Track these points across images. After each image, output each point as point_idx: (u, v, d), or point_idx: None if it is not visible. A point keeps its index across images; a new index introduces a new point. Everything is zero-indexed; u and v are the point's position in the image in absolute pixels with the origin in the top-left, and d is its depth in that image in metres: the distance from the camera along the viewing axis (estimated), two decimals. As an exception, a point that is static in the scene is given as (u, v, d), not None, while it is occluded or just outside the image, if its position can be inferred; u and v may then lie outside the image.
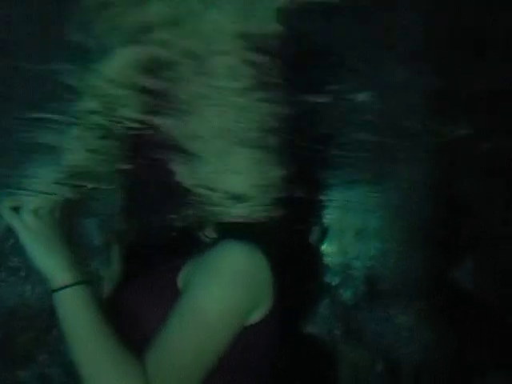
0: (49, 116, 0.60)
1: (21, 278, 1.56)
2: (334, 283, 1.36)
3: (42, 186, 0.99)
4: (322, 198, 1.29)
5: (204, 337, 1.09)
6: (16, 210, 1.12)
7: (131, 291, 1.29)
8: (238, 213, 1.29)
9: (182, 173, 0.91)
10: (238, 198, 1.15)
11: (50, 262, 1.13)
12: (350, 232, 1.32)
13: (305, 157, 0.81)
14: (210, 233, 1.27)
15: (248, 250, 1.13)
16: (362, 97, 0.53)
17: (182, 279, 1.17)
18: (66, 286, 1.10)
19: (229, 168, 0.88)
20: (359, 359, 1.29)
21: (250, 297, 1.13)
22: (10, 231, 1.14)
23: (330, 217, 1.35)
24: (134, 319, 1.15)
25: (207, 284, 1.11)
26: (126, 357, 1.07)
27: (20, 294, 1.50)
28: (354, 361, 1.30)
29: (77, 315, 1.09)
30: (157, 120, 0.62)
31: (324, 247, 1.37)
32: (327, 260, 1.35)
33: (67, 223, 1.24)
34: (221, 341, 1.11)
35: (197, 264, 1.17)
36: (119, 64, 0.52)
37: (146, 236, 1.51)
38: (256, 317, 1.17)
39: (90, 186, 0.97)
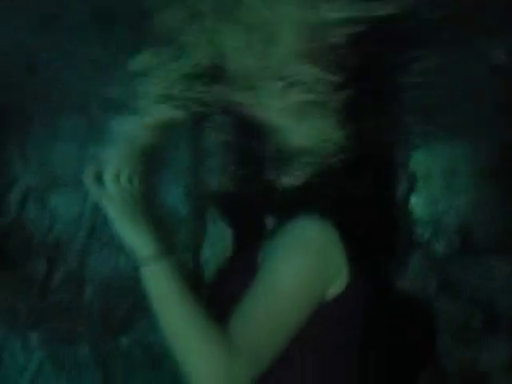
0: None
1: (114, 250, 1.62)
2: (425, 236, 1.31)
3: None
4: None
5: (283, 309, 1.09)
6: (99, 180, 1.15)
7: (217, 280, 1.31)
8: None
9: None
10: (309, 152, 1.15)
11: (135, 236, 1.14)
12: (440, 181, 1.26)
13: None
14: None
15: (321, 226, 1.13)
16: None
17: (261, 258, 1.17)
18: (152, 261, 1.13)
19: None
20: (456, 313, 1.25)
21: (326, 270, 1.13)
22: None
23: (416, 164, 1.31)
24: (222, 306, 1.16)
25: (285, 259, 1.12)
26: (213, 328, 1.09)
27: (114, 265, 1.54)
28: (450, 315, 1.25)
29: (163, 289, 1.10)
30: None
31: (413, 198, 1.32)
32: (417, 211, 1.31)
33: (150, 191, 1.26)
34: (299, 313, 1.11)
35: (274, 241, 1.17)
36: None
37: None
38: (335, 291, 1.16)
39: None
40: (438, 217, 1.29)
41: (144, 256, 1.13)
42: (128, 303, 1.54)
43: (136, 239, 1.15)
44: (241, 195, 1.35)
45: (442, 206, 1.28)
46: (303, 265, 1.14)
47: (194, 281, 1.21)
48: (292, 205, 1.22)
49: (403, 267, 1.38)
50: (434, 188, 1.27)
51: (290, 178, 1.26)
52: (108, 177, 1.17)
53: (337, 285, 1.17)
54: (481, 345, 1.17)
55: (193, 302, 1.11)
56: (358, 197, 1.29)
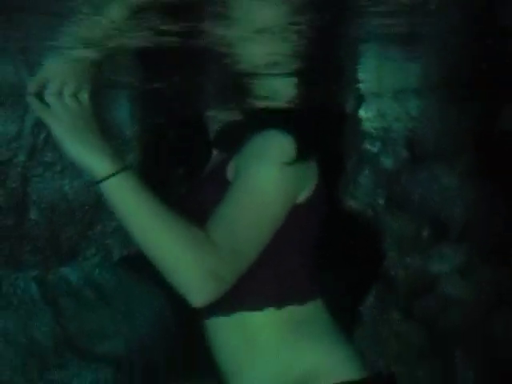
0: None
1: (57, 173, 1.57)
2: (374, 150, 1.32)
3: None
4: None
5: (260, 213, 1.12)
6: (42, 98, 1.09)
7: (186, 193, 1.30)
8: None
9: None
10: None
11: (88, 154, 1.09)
12: (388, 94, 1.26)
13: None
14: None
15: (291, 137, 1.15)
16: None
17: (230, 170, 1.17)
18: (111, 175, 1.09)
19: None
20: (405, 227, 1.27)
21: (297, 176, 1.15)
22: (42, 124, 1.11)
23: (366, 81, 1.30)
24: (195, 215, 1.15)
25: (258, 166, 1.13)
26: (192, 231, 1.08)
27: (58, 189, 1.50)
28: (399, 230, 1.28)
29: (129, 200, 1.07)
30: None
31: (362, 113, 1.32)
32: (366, 126, 1.31)
33: (96, 110, 1.21)
34: (275, 217, 1.14)
35: (244, 153, 1.18)
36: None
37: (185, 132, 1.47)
38: (304, 196, 1.18)
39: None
40: (386, 130, 1.30)
41: (100, 172, 1.09)
42: (76, 228, 1.51)
43: (90, 157, 1.09)
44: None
45: (389, 119, 1.28)
46: (276, 168, 1.16)
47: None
48: (258, 122, 1.22)
49: (353, 185, 1.40)
50: (382, 101, 1.27)
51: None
52: (52, 91, 1.11)
53: (306, 191, 1.19)
54: (430, 253, 1.20)
55: (165, 209, 1.09)
56: (310, 111, 1.29)
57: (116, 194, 1.09)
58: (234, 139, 1.25)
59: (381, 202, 1.32)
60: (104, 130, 1.18)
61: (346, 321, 1.31)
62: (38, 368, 1.32)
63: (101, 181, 1.08)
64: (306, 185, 1.22)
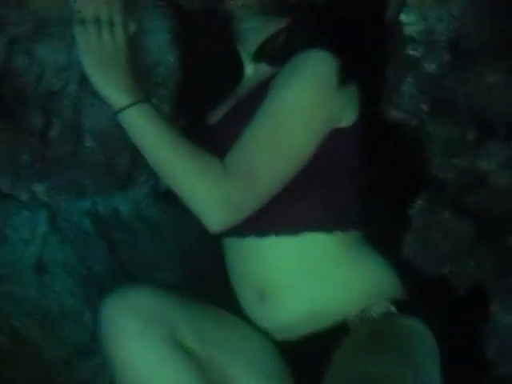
0: None
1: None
2: (417, 55, 1.30)
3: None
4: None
5: (285, 133, 1.11)
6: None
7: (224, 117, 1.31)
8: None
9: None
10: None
11: (108, 85, 1.14)
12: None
13: None
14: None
15: (335, 60, 1.14)
16: None
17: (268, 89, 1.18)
18: (128, 106, 1.13)
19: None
20: (450, 131, 1.26)
21: (334, 100, 1.14)
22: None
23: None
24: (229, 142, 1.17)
25: (291, 85, 1.13)
26: (205, 155, 1.12)
27: (110, 116, 1.55)
28: (445, 134, 1.27)
29: (146, 131, 1.13)
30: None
31: (403, 17, 1.30)
32: (407, 31, 1.29)
33: (134, 38, 1.23)
34: (304, 142, 1.13)
35: (280, 73, 1.18)
36: None
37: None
38: (343, 123, 1.19)
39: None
40: (428, 33, 1.27)
41: (119, 103, 1.13)
42: (128, 156, 1.57)
43: (109, 88, 1.15)
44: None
45: (432, 21, 1.26)
46: (306, 90, 1.15)
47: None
48: (295, 42, 1.21)
49: (395, 93, 1.39)
50: (423, 3, 1.24)
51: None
52: (88, 21, 1.14)
53: (345, 118, 1.19)
54: (478, 153, 1.20)
55: (181, 139, 1.13)
56: (349, 23, 1.27)
57: (133, 126, 1.14)
58: (277, 54, 1.24)
59: (425, 108, 1.31)
60: (136, 58, 1.21)
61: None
62: (97, 295, 1.41)
63: (118, 112, 1.13)
64: (346, 109, 1.19)
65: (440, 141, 1.27)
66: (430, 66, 1.28)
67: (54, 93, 1.43)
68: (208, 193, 1.10)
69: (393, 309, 1.16)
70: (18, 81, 1.36)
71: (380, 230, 1.31)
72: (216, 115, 1.35)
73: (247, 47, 1.31)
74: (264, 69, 1.28)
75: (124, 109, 1.15)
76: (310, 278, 1.18)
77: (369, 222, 1.30)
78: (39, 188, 1.48)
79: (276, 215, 1.16)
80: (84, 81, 1.47)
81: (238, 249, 1.21)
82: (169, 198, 1.52)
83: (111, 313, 1.09)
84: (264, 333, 1.22)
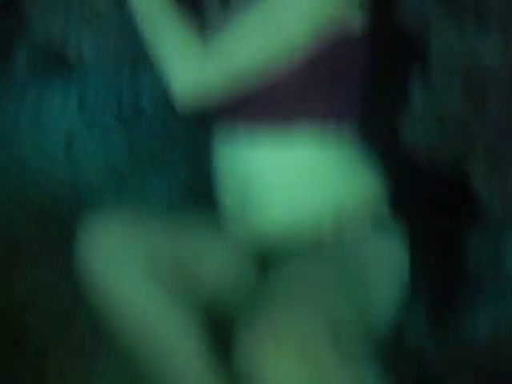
0: None
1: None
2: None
3: None
4: None
5: (277, 23, 1.11)
6: None
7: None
8: None
9: None
10: None
11: None
12: None
13: None
14: None
15: None
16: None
17: None
18: None
19: None
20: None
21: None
22: None
23: None
24: None
25: None
26: (191, 36, 1.16)
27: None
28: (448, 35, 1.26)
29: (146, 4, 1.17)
30: None
31: None
32: None
33: None
34: (295, 32, 1.11)
35: None
36: None
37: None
38: (347, 28, 1.16)
39: None
40: None
41: None
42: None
43: None
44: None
45: None
46: None
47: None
48: None
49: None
50: None
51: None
52: None
53: (352, 18, 1.16)
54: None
55: (173, 15, 1.17)
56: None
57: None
58: None
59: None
60: None
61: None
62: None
63: None
64: (350, 12, 1.15)
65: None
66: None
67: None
68: (180, 64, 1.16)
69: (369, 227, 1.17)
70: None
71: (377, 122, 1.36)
72: None
73: None
74: None
75: None
76: (294, 188, 1.18)
77: (367, 118, 1.29)
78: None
79: (271, 107, 1.17)
80: None
81: (229, 154, 1.23)
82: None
83: (89, 239, 1.17)
84: (245, 244, 1.24)
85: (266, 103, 1.16)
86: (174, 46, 1.17)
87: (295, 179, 1.18)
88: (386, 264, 1.16)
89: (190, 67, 1.14)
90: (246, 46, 1.13)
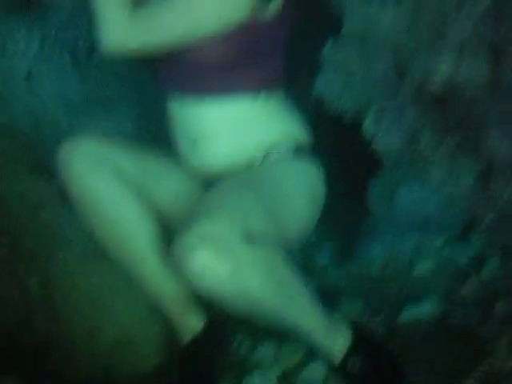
0: None
1: None
2: None
3: None
4: None
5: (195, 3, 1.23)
6: None
7: None
8: None
9: None
10: None
11: None
12: None
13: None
14: None
15: None
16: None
17: None
18: None
19: None
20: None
21: None
22: None
23: None
24: None
25: None
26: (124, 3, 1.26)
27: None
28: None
29: None
30: None
31: None
32: None
33: None
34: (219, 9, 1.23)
35: None
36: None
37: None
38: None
39: None
40: None
41: None
42: None
43: None
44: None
45: None
46: None
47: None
48: None
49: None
50: None
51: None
52: None
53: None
54: None
55: None
56: None
57: None
58: None
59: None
60: None
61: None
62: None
63: None
64: None
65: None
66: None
67: None
68: (108, 19, 1.25)
69: (291, 154, 1.38)
70: None
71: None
72: None
73: None
74: None
75: None
76: (233, 132, 1.38)
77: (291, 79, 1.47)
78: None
79: (213, 77, 1.33)
80: None
81: (179, 108, 1.40)
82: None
83: (67, 156, 1.31)
84: (194, 172, 1.44)
85: (211, 72, 1.33)
86: (108, 1, 1.26)
87: (234, 125, 1.38)
88: (305, 185, 1.38)
89: (116, 26, 1.25)
90: (168, 19, 1.25)
